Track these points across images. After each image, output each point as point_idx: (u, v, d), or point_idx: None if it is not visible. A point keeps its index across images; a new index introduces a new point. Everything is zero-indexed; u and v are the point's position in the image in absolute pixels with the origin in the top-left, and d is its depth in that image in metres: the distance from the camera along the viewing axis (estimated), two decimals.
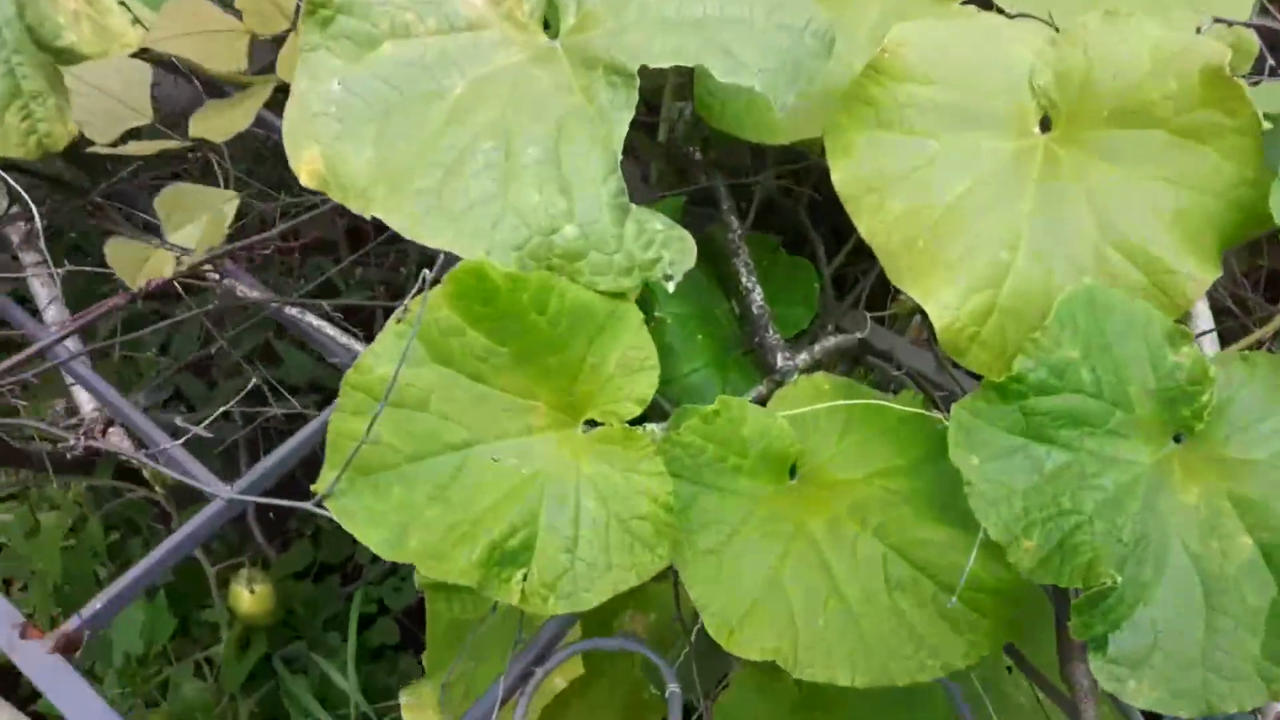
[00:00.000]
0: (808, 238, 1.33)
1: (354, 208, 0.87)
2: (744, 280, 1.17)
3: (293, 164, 0.89)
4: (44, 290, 1.33)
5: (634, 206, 0.85)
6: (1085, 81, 0.97)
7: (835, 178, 0.99)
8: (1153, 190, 0.92)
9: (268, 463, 1.07)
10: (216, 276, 1.14)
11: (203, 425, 1.31)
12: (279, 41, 1.05)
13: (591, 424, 0.85)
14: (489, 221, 0.83)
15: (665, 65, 0.86)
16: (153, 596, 1.72)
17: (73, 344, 1.06)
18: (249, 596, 1.58)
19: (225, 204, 0.94)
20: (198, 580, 1.70)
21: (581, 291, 0.83)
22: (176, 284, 1.10)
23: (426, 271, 0.77)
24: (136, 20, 1.06)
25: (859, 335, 1.24)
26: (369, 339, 1.50)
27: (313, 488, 0.84)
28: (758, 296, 1.15)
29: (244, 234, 1.44)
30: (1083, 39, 0.97)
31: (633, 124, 0.86)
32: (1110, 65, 0.96)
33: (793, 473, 0.95)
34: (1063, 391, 0.82)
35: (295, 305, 1.13)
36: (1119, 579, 0.79)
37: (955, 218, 0.94)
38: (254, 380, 1.21)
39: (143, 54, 1.04)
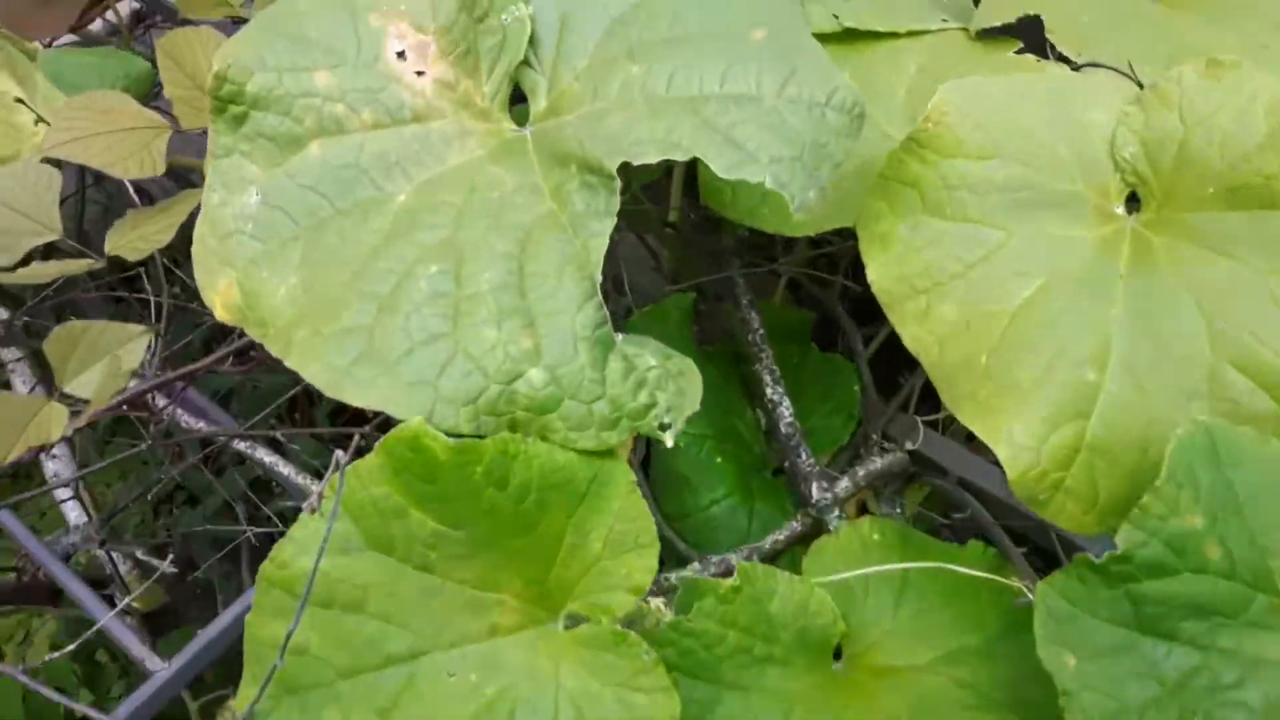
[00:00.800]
0: (841, 327, 1.14)
1: (275, 350, 0.70)
2: (769, 391, 0.99)
3: (204, 294, 0.73)
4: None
5: (619, 338, 0.67)
6: (1183, 151, 0.78)
7: (872, 275, 0.80)
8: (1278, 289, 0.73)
9: (209, 634, 0.90)
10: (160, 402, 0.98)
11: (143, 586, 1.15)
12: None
13: (574, 620, 0.67)
14: (433, 369, 0.65)
15: (652, 160, 0.69)
16: None
17: None
18: None
19: (131, 342, 0.78)
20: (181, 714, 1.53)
21: (554, 453, 0.65)
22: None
23: (356, 435, 0.60)
24: (40, 119, 0.91)
25: (910, 447, 1.05)
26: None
27: (231, 704, 0.66)
28: (786, 412, 0.96)
29: (193, 348, 1.29)
30: (1176, 98, 0.78)
31: (640, 200, 0.68)
32: (1214, 131, 0.77)
33: (837, 653, 0.76)
34: (1183, 572, 0.63)
35: (243, 438, 0.96)
36: None
37: (1025, 328, 0.76)
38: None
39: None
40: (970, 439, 1.20)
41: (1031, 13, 1.03)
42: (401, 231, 0.71)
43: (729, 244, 1.08)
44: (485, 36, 0.77)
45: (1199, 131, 0.77)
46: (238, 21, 1.34)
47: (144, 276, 1.07)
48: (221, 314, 0.73)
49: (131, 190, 0.96)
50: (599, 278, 0.67)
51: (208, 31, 0.89)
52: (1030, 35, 1.05)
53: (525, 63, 0.78)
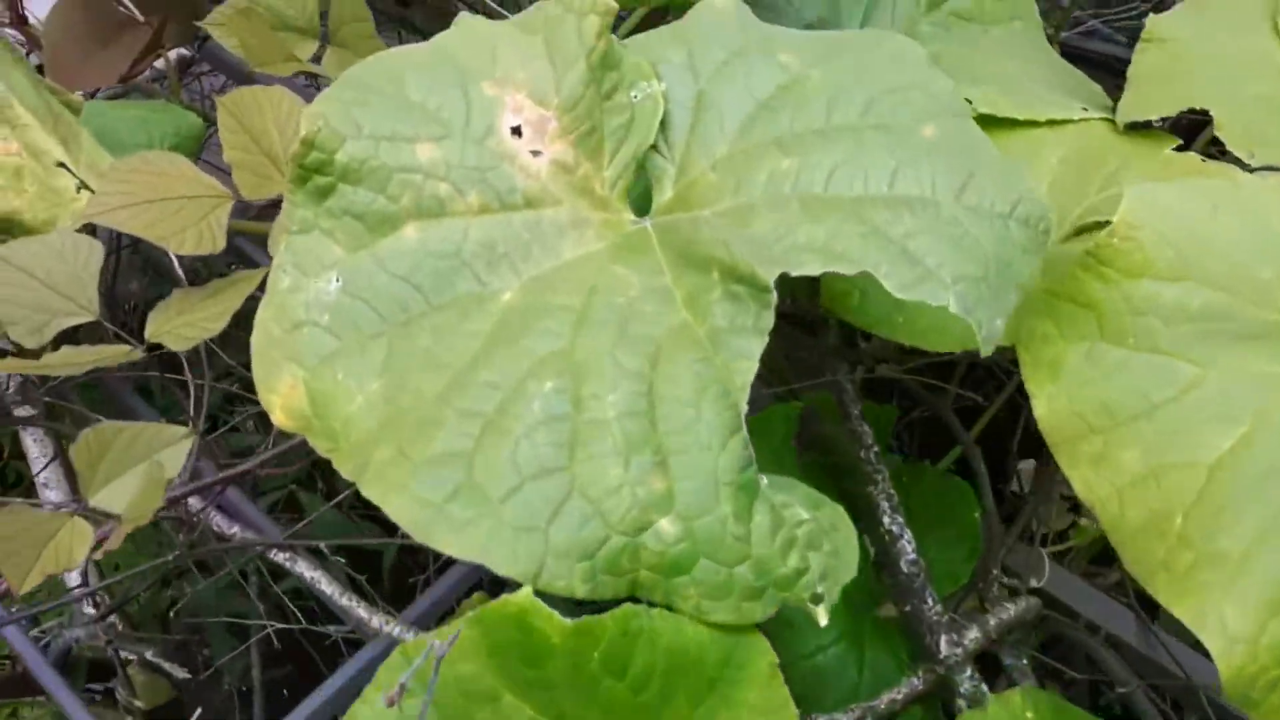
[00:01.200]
0: (958, 440, 1.02)
1: (346, 470, 0.59)
2: (886, 521, 0.86)
3: (261, 394, 0.62)
4: (36, 448, 1.08)
5: (764, 481, 0.56)
6: None
7: (1039, 410, 0.69)
8: None
9: None
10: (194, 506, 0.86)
11: None
12: (277, 205, 0.79)
13: None
14: (545, 511, 0.53)
15: (814, 272, 0.58)
16: None
17: None
18: None
19: (171, 449, 0.67)
20: None
21: (682, 628, 0.53)
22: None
23: (436, 643, 0.48)
24: (82, 185, 0.81)
25: (1035, 585, 0.93)
26: (383, 591, 1.19)
27: None
28: (908, 546, 0.84)
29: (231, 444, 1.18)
30: None
31: None
32: None
33: None
34: None
35: (283, 548, 0.85)
36: None
37: (1228, 485, 0.63)
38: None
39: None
40: (1089, 573, 1.08)
41: (1197, 108, 0.93)
42: (508, 337, 0.60)
43: (832, 342, 0.97)
44: (611, 115, 0.67)
45: None
46: (309, 80, 1.26)
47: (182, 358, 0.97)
48: (281, 419, 0.61)
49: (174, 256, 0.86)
50: (744, 407, 0.56)
51: (280, 91, 0.79)
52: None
53: (653, 147, 0.68)
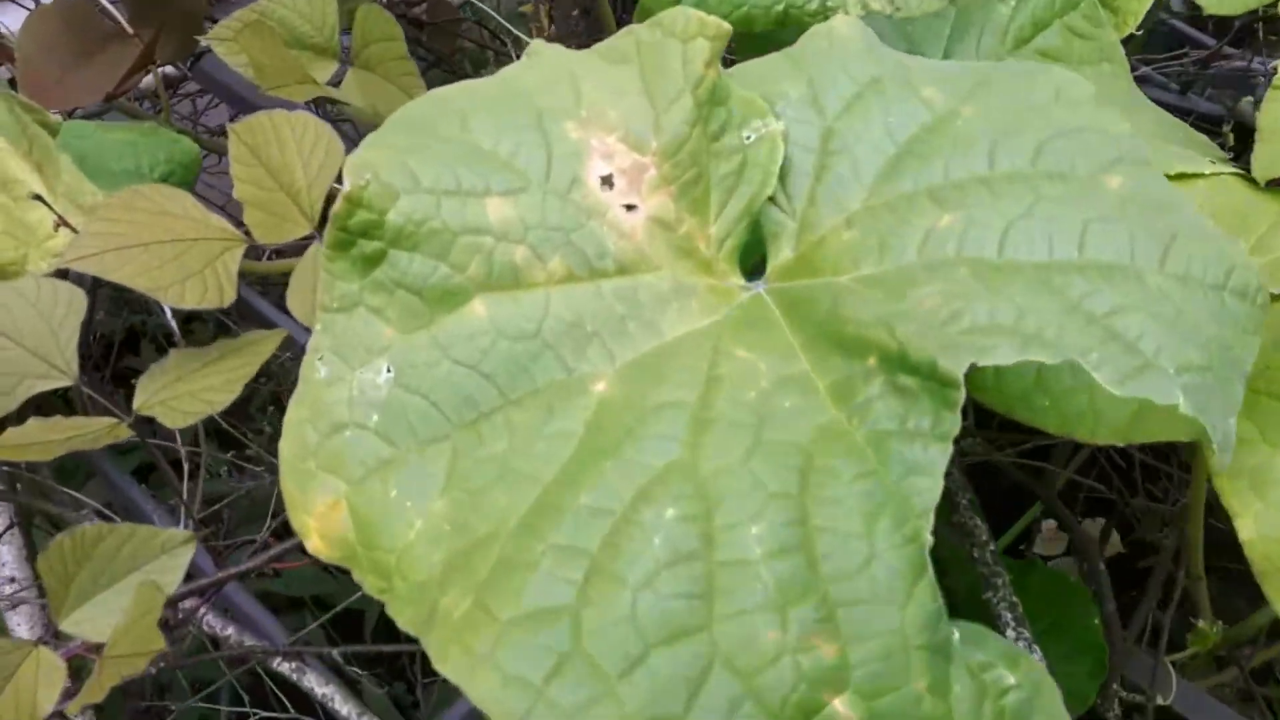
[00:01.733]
0: (1071, 533, 0.90)
1: (403, 620, 0.45)
2: (1011, 635, 0.73)
3: (293, 516, 0.49)
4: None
5: (955, 635, 0.42)
6: None
7: (1245, 533, 0.57)
8: None
9: None
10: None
11: None
12: (300, 249, 0.66)
13: None
14: (680, 695, 0.40)
15: (1007, 362, 0.45)
16: None
17: None
18: None
19: (172, 554, 0.53)
20: None
21: None
22: None
23: None
24: (60, 221, 0.67)
25: (1161, 702, 0.80)
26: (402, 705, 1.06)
27: None
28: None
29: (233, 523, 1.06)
30: None
31: None
32: None
33: None
34: None
35: (289, 656, 0.71)
36: None
37: None
38: None
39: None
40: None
41: None
42: (608, 443, 0.46)
43: None
44: (720, 160, 0.54)
45: None
46: (322, 107, 1.14)
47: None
48: (318, 547, 0.48)
49: (174, 327, 0.73)
50: (929, 539, 0.43)
51: (304, 118, 0.66)
52: None
53: (770, 199, 0.55)
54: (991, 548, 0.78)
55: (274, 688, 0.84)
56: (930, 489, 0.43)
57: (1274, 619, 0.79)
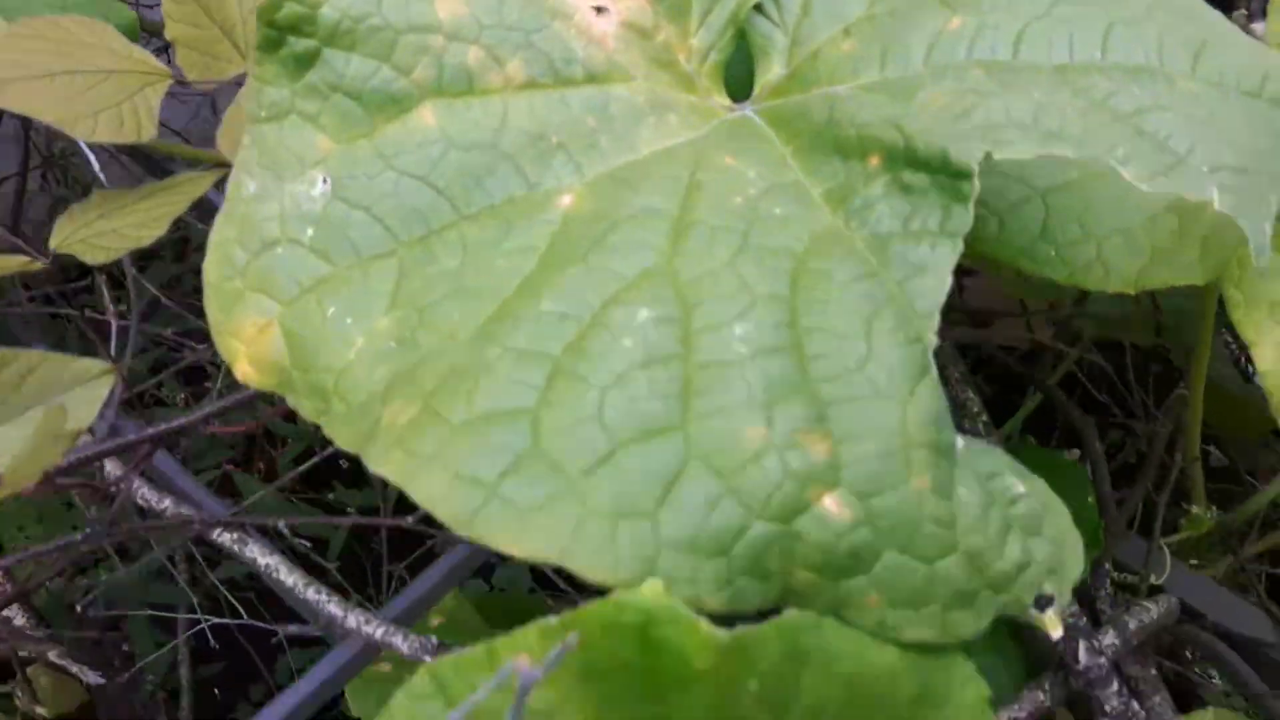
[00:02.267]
0: (1064, 412, 0.95)
1: (342, 439, 0.48)
2: None
3: (218, 336, 0.51)
4: None
5: (961, 443, 0.46)
6: None
7: (1264, 361, 0.61)
8: None
9: None
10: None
11: None
12: (239, 84, 0.69)
13: None
14: (651, 492, 0.43)
15: (1026, 155, 0.48)
16: None
17: None
18: None
19: (85, 386, 0.56)
20: None
21: (867, 649, 0.42)
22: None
23: (523, 664, 0.37)
24: None
25: (1155, 581, 0.86)
26: (350, 578, 1.14)
27: None
28: None
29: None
30: None
31: None
32: None
33: None
34: None
35: (230, 527, 0.74)
36: None
37: None
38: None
39: None
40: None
41: None
42: (575, 254, 0.49)
43: None
44: None
45: None
46: None
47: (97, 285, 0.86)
48: (248, 374, 0.51)
49: (99, 171, 0.75)
50: (933, 340, 0.46)
51: None
52: None
53: (757, 8, 0.59)
54: (985, 418, 0.83)
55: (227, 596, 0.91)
56: (936, 289, 0.47)
57: (1266, 506, 0.85)
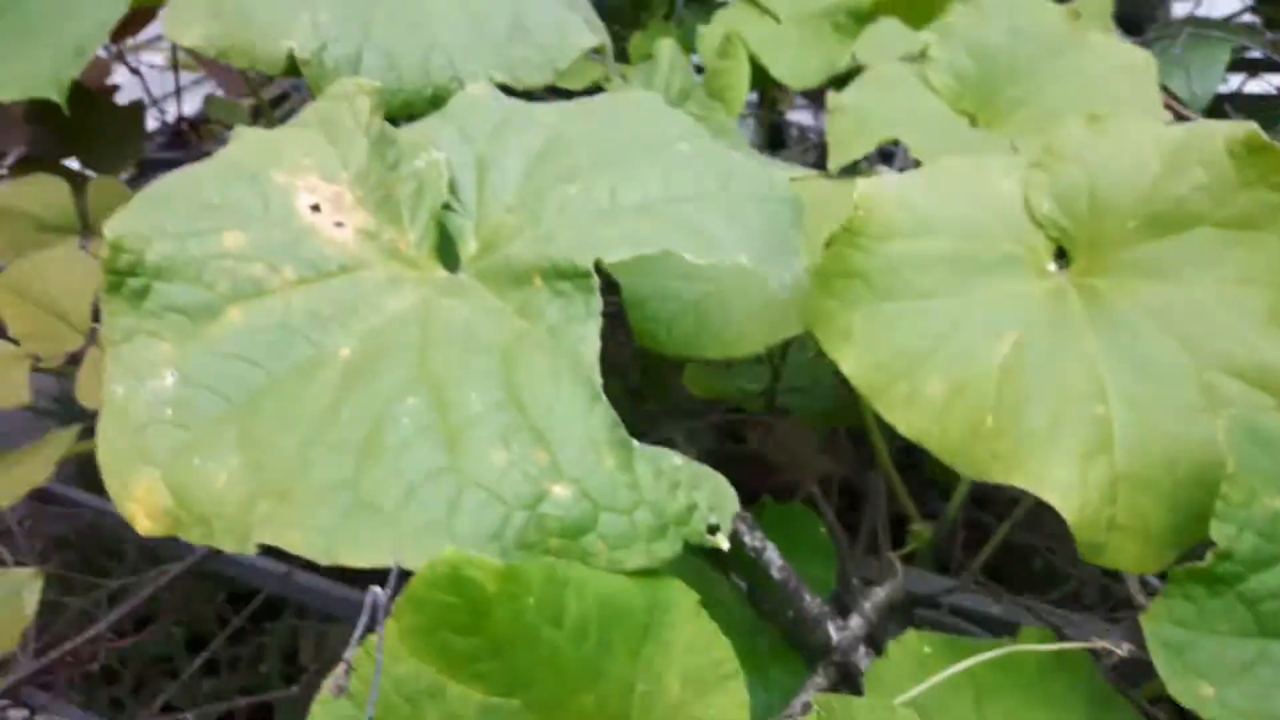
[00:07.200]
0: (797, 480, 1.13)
1: (228, 545, 0.60)
2: (748, 540, 0.94)
3: (119, 504, 0.62)
4: None
5: (635, 443, 0.63)
6: (1094, 198, 0.85)
7: (847, 370, 0.80)
8: (1231, 296, 0.79)
9: None
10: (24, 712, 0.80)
11: None
12: (75, 360, 0.80)
13: None
14: (443, 507, 0.57)
15: (625, 256, 0.68)
16: None
17: None
18: None
19: (24, 588, 0.64)
20: None
21: (604, 577, 0.58)
22: None
23: (376, 590, 0.50)
24: None
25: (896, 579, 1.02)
26: None
27: None
28: (775, 557, 0.91)
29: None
30: (1073, 151, 0.86)
31: None
32: (1115, 171, 0.85)
33: None
34: None
35: None
36: None
37: (1018, 380, 0.77)
38: None
39: None
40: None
41: (886, 140, 1.15)
42: (357, 383, 0.64)
43: (652, 409, 1.07)
44: (401, 183, 0.75)
45: (1102, 176, 0.85)
46: None
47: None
48: (145, 525, 0.62)
49: None
50: (599, 379, 0.63)
51: (67, 251, 0.82)
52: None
53: (447, 207, 0.77)
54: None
55: None
56: (592, 348, 0.64)
57: (956, 503, 1.05)
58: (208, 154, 0.73)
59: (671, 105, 1.19)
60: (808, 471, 1.13)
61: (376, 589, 0.48)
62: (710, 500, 0.62)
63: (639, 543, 0.59)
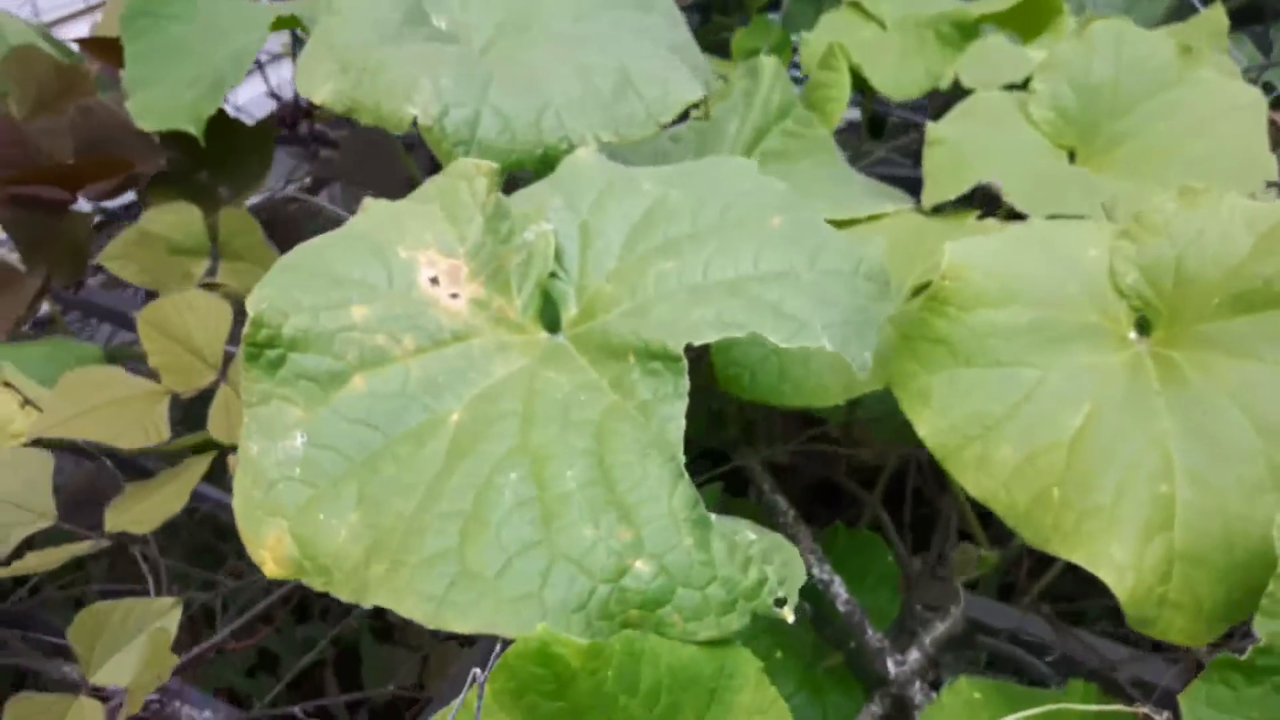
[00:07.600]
0: (858, 502, 1.17)
1: (345, 596, 0.67)
2: (816, 572, 0.98)
3: (251, 552, 0.70)
4: None
5: (713, 517, 0.67)
6: (1180, 272, 0.86)
7: (923, 432, 0.83)
8: None
9: None
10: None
11: None
12: (206, 397, 0.88)
13: None
14: (535, 579, 0.63)
15: (712, 339, 0.72)
16: None
17: None
18: None
19: (165, 616, 0.73)
20: None
21: (677, 648, 0.63)
22: None
23: (476, 671, 0.57)
24: (27, 402, 0.89)
25: (957, 612, 1.05)
26: None
27: None
28: (841, 590, 0.96)
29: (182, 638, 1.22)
30: (1162, 225, 0.87)
31: None
32: (1205, 247, 0.85)
33: None
34: None
35: None
36: None
37: (1087, 453, 0.79)
38: None
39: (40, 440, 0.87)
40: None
41: (984, 181, 1.16)
42: (465, 448, 0.70)
43: (734, 434, 1.11)
44: (512, 255, 0.81)
45: (1191, 250, 0.85)
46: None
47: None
48: (273, 570, 0.69)
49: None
50: (682, 458, 0.68)
51: (197, 294, 0.90)
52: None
53: (552, 275, 0.82)
54: (792, 513, 1.04)
55: None
56: (678, 428, 0.69)
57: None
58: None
59: (770, 123, 1.23)
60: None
61: (476, 670, 0.54)
62: (780, 573, 0.66)
63: (710, 616, 0.64)
